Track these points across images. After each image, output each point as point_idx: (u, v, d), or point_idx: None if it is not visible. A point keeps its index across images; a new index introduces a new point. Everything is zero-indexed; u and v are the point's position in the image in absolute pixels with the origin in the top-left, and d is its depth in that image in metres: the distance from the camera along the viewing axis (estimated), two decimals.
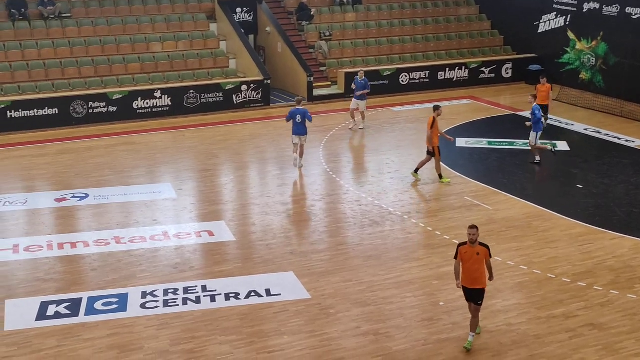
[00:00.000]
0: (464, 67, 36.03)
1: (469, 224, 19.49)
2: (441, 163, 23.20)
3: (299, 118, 24.20)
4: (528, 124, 24.84)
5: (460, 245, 13.86)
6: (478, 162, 24.95)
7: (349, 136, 28.03)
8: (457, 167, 24.13)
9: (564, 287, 16.40)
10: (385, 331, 14.58)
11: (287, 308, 15.40)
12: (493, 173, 23.96)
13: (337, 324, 14.83)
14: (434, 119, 22.72)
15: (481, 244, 13.75)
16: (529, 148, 25.06)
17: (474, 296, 13.82)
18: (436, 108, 23.07)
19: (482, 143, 26.77)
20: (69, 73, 30.89)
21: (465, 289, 13.91)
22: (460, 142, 26.95)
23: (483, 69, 36.38)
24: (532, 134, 24.63)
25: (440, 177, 23.03)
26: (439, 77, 35.52)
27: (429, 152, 22.96)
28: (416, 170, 23.24)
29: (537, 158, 24.88)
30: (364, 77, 29.24)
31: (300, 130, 24.29)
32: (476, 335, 14.20)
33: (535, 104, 24.82)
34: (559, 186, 23.19)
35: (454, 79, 35.80)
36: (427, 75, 35.31)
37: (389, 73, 34.58)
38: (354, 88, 29.37)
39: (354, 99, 29.14)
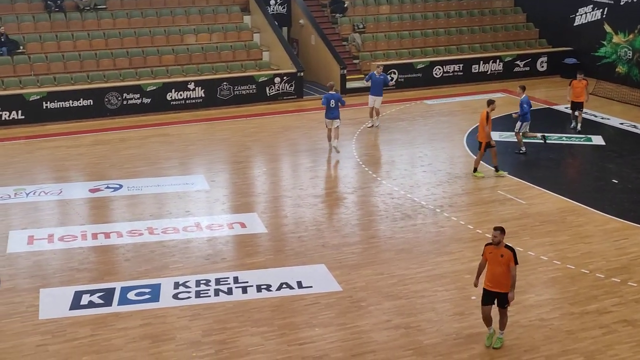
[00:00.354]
0: (498, 60, 35.79)
1: (502, 218, 19.51)
2: (476, 157, 23.09)
3: (332, 103, 25.03)
4: (515, 115, 25.14)
5: (487, 244, 13.66)
6: (511, 156, 24.77)
7: (381, 129, 27.95)
8: (490, 161, 23.97)
9: (597, 283, 16.26)
10: (416, 325, 14.54)
11: (318, 300, 15.41)
12: (527, 167, 23.79)
13: (368, 317, 14.81)
14: (488, 113, 22.36)
15: (508, 247, 13.45)
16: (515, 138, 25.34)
17: (499, 300, 13.50)
18: (490, 102, 22.78)
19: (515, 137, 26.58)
20: (103, 64, 31.09)
21: (485, 291, 13.58)
22: (494, 136, 26.66)
23: (517, 62, 36.11)
24: (519, 124, 24.85)
25: (475, 170, 22.87)
26: (473, 70, 35.32)
27: (491, 145, 22.58)
28: (496, 169, 22.87)
29: (523, 149, 24.99)
30: (382, 73, 28.55)
31: (334, 114, 25.08)
32: (488, 335, 13.91)
33: (524, 95, 24.86)
34: (593, 181, 23.00)
35: (488, 72, 35.58)
36: (460, 68, 35.12)
37: (423, 66, 34.44)
38: (368, 84, 28.38)
39: (370, 96, 28.23)
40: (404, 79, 34.09)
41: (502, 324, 13.83)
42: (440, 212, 20.16)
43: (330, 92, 25.38)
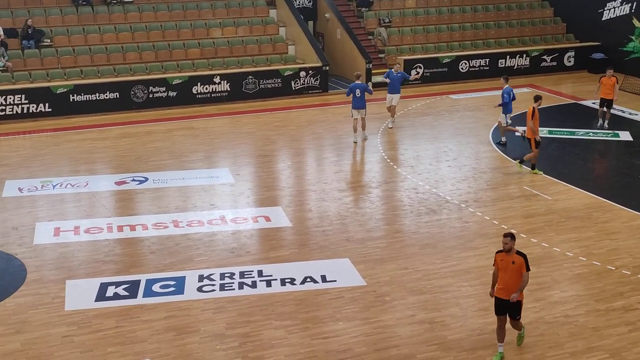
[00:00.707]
0: (524, 55, 35.57)
1: (528, 213, 19.42)
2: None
3: (358, 92, 25.31)
4: (496, 105, 25.52)
5: (497, 252, 13.26)
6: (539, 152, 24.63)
7: (407, 123, 27.89)
8: (516, 155, 23.85)
9: (624, 280, 16.15)
10: (440, 320, 14.51)
11: (342, 294, 15.42)
12: (553, 162, 23.66)
13: (392, 312, 14.80)
14: (534, 109, 22.07)
15: (519, 253, 13.05)
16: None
17: (511, 309, 13.07)
18: (537, 98, 22.53)
19: (542, 132, 26.34)
20: (130, 58, 31.23)
21: (497, 300, 13.17)
22: (521, 131, 26.67)
23: (544, 57, 35.88)
24: (502, 115, 24.99)
25: (533, 167, 22.44)
26: (499, 65, 35.12)
27: (536, 142, 22.23)
28: (533, 167, 22.59)
29: (503, 139, 25.20)
30: (399, 71, 27.90)
31: (359, 104, 25.35)
32: (497, 355, 13.37)
33: (507, 86, 25.04)
34: (620, 177, 22.84)
35: (515, 67, 35.38)
36: (487, 63, 34.95)
37: (449, 60, 34.30)
38: (387, 82, 27.64)
39: (388, 94, 27.53)
40: (429, 73, 33.96)
41: (518, 327, 13.45)
42: (465, 207, 20.10)
43: (356, 81, 25.65)
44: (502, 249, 13.10)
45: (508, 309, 13.07)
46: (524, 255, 13.05)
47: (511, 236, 12.95)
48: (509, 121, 25.17)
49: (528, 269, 13.01)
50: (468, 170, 22.93)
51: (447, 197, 20.78)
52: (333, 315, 14.65)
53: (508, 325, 13.28)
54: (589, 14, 36.70)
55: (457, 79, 34.35)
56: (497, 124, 25.68)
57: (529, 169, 22.57)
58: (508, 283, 12.96)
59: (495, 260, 13.20)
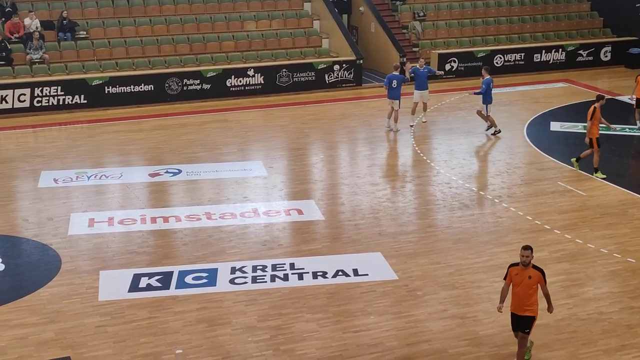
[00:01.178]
0: (560, 50, 35.27)
1: (562, 209, 19.27)
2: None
3: (394, 83, 25.62)
4: (472, 93, 26.57)
5: (511, 265, 12.47)
6: (572, 147, 24.36)
7: (440, 118, 27.78)
8: (550, 151, 23.70)
9: None
10: (472, 315, 14.45)
11: (374, 288, 15.40)
12: (588, 158, 23.43)
13: (424, 306, 14.76)
14: (595, 108, 21.38)
15: (536, 267, 12.26)
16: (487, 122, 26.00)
17: (522, 324, 12.41)
18: (600, 98, 21.81)
19: (577, 127, 26.17)
20: (164, 50, 31.38)
21: (513, 316, 12.54)
22: (555, 126, 26.48)
23: (581, 51, 35.56)
24: (483, 106, 25.61)
25: (596, 171, 21.76)
26: (535, 60, 34.87)
27: (591, 144, 21.62)
28: (577, 160, 22.19)
29: (498, 129, 25.74)
30: (425, 66, 27.32)
31: (394, 95, 25.66)
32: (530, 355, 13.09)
33: (488, 77, 25.61)
34: None
35: (550, 62, 35.10)
36: (522, 57, 34.71)
37: (483, 54, 34.11)
38: (411, 78, 27.10)
39: (415, 91, 26.91)
40: (464, 67, 33.80)
41: (520, 356, 12.62)
42: (498, 202, 19.98)
43: (393, 72, 25.93)
44: (516, 262, 12.42)
45: (521, 322, 12.45)
46: (541, 270, 12.32)
47: (532, 249, 12.22)
48: (489, 113, 25.75)
49: (545, 283, 12.35)
50: (502, 165, 22.80)
51: (480, 192, 20.68)
52: (364, 309, 14.64)
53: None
54: (627, 8, 36.30)
55: (491, 74, 33.97)
56: (487, 115, 25.92)
57: (595, 172, 21.84)
58: (522, 298, 12.30)
59: (508, 274, 12.45)
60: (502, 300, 12.57)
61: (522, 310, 12.35)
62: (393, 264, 16.41)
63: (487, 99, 25.44)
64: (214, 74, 30.32)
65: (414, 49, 34.85)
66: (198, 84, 30.12)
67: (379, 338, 13.64)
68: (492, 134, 25.55)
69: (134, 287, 15.41)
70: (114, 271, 16.14)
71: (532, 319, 12.38)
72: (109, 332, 13.77)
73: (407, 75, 27.18)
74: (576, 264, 16.44)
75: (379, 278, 15.84)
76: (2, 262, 16.40)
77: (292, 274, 16.04)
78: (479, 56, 34.00)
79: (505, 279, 12.55)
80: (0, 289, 15.32)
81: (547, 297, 12.49)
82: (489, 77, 25.60)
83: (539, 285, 12.30)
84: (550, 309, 12.62)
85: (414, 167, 22.91)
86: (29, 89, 28.27)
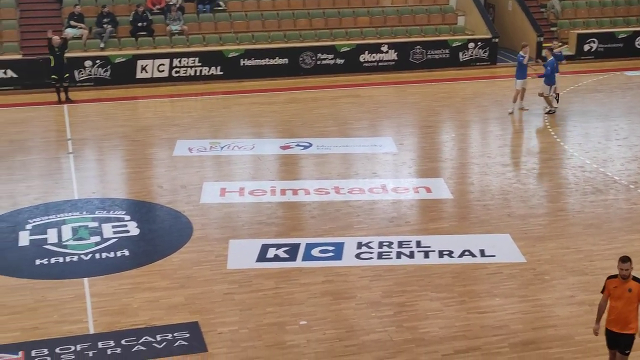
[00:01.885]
0: None
1: None
2: None
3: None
4: (535, 70, 26.01)
5: (609, 278, 11.36)
6: None
7: (576, 99, 27.09)
8: None
9: None
10: None
11: (500, 270, 15.21)
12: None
13: (551, 291, 14.49)
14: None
15: (636, 279, 11.10)
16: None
17: (621, 343, 11.25)
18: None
19: None
20: (300, 24, 31.66)
21: (609, 333, 11.40)
22: None
23: None
24: (545, 86, 25.01)
25: None
26: None
27: None
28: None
29: (554, 107, 25.40)
30: (522, 54, 25.52)
31: (521, 74, 25.29)
32: None
33: (551, 58, 24.94)
34: None
35: None
36: None
37: (625, 35, 33.01)
38: (526, 63, 25.70)
39: (517, 80, 25.39)
40: (603, 48, 32.81)
41: None
42: (634, 188, 19.37)
43: (520, 52, 25.71)
44: (614, 274, 11.28)
45: (620, 341, 11.32)
46: None
47: (631, 261, 11.00)
48: (552, 93, 25.19)
49: None
50: (639, 150, 22.07)
51: (615, 177, 20.09)
52: (490, 290, 14.49)
53: None
54: None
55: (632, 55, 32.96)
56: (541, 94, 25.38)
57: None
58: (621, 313, 11.15)
59: (606, 288, 11.32)
60: (599, 318, 11.45)
61: (623, 327, 11.23)
62: (521, 247, 16.15)
63: (551, 80, 25.02)
64: (348, 49, 30.42)
65: (552, 29, 34.02)
66: (332, 59, 30.29)
67: (503, 320, 13.48)
68: (546, 113, 25.22)
69: (262, 257, 15.69)
70: (243, 240, 16.47)
71: (632, 338, 11.25)
72: (236, 299, 14.07)
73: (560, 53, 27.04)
74: None
75: (506, 260, 15.63)
76: (137, 227, 16.97)
77: (418, 251, 16.01)
78: (620, 37, 32.90)
79: (602, 292, 11.42)
80: (135, 253, 15.88)
81: None
82: (552, 58, 25.14)
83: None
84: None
85: (547, 149, 22.43)
86: (168, 60, 29.06)
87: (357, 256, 15.79)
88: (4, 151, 22.08)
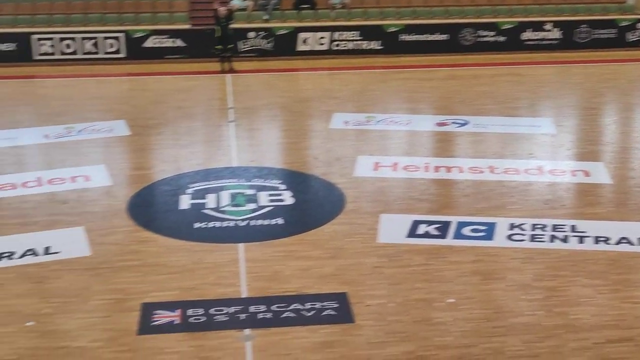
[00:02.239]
0: None
1: None
2: None
3: None
4: None
5: None
6: None
7: None
8: None
9: None
10: None
11: None
12: None
13: None
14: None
15: None
16: None
17: None
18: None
19: None
20: (462, 1, 31.30)
21: None
22: None
23: None
24: None
25: None
26: None
27: None
28: None
29: None
30: None
31: None
32: None
33: None
34: None
35: None
36: None
37: None
38: None
39: None
40: None
41: None
42: None
43: None
44: None
45: None
46: None
47: None
48: None
49: None
50: None
51: None
52: None
53: None
54: None
55: None
56: None
57: None
58: None
59: None
60: None
61: None
62: None
63: None
64: (510, 26, 29.89)
65: None
66: (493, 36, 29.86)
67: None
68: None
69: (412, 232, 15.72)
70: (394, 215, 16.53)
71: None
72: (385, 273, 14.17)
73: None
74: None
75: None
76: (292, 197, 17.32)
77: (573, 236, 15.66)
78: None
79: None
80: (289, 222, 16.21)
81: None
82: None
83: None
84: None
85: None
86: (329, 33, 29.36)
87: (509, 237, 15.59)
88: (171, 117, 22.98)
